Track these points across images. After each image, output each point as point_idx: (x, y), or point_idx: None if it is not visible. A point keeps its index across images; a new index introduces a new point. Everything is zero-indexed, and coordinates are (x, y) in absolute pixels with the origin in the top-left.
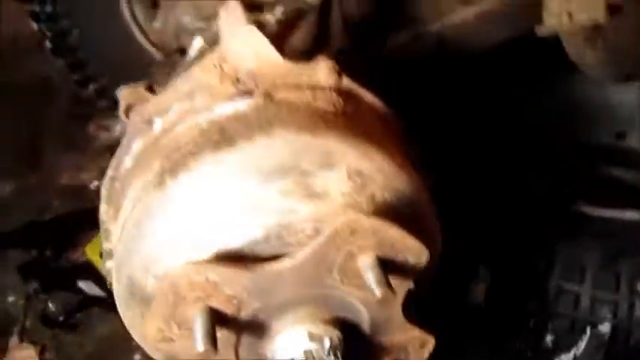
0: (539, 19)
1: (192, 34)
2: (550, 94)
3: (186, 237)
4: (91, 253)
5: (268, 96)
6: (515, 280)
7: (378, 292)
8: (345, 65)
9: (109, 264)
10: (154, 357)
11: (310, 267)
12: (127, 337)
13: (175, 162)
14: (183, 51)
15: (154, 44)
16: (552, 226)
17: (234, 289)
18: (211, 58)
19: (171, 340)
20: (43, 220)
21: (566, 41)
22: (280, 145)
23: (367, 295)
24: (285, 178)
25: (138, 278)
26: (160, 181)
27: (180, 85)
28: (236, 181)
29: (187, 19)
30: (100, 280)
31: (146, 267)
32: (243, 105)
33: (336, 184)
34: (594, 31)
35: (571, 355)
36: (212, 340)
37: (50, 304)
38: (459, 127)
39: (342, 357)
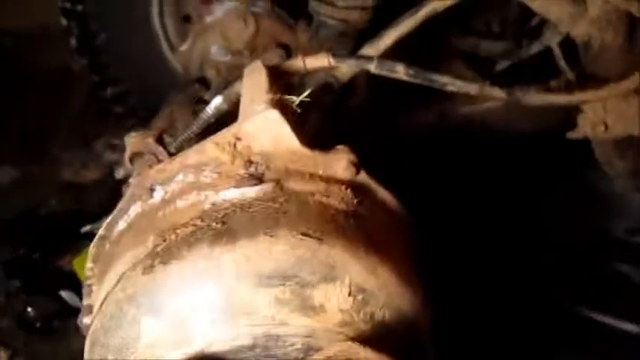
0: (570, 119)
1: (215, 66)
2: (565, 186)
3: (169, 332)
4: (78, 266)
5: (279, 184)
6: None
7: None
8: (363, 156)
9: (87, 320)
10: None
11: None
12: None
13: (169, 247)
14: (203, 80)
15: (178, 61)
16: (554, 331)
17: None
18: (227, 135)
19: None
20: (37, 214)
21: (597, 147)
22: (283, 249)
23: None
24: (282, 286)
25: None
26: (150, 265)
27: (190, 155)
28: (230, 281)
29: (214, 50)
30: (80, 292)
31: (121, 351)
32: (251, 193)
33: (335, 299)
34: (626, 141)
35: None
36: None
37: (29, 308)
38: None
39: None
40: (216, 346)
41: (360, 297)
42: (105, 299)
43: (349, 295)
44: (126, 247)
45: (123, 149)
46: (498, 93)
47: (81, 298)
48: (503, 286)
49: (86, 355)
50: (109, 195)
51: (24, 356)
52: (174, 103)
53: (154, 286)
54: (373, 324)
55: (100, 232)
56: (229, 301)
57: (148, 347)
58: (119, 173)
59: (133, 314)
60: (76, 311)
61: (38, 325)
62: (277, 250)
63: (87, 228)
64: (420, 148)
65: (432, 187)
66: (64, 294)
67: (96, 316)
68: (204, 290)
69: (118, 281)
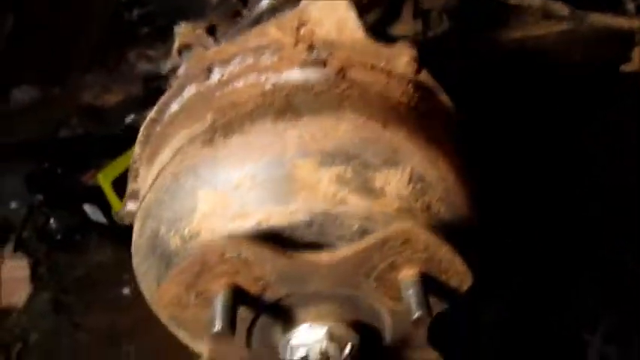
0: (622, 55)
1: None
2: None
3: (226, 204)
4: (103, 179)
5: (342, 71)
6: None
7: (416, 312)
8: (425, 57)
9: (131, 206)
10: (157, 314)
11: (349, 266)
12: (119, 269)
13: (230, 121)
14: None
15: None
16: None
17: (265, 271)
18: (291, 18)
19: (185, 307)
20: (57, 135)
21: None
22: (348, 128)
23: (399, 309)
24: (344, 165)
25: (163, 234)
26: (210, 139)
27: (250, 38)
28: (292, 157)
29: None
30: (105, 207)
31: (175, 224)
32: (314, 75)
33: (395, 184)
34: None
35: None
36: (230, 322)
37: (51, 220)
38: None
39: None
40: (273, 221)
41: (419, 186)
42: (159, 174)
43: (409, 182)
44: (180, 126)
45: (157, 59)
46: (561, 9)
47: (103, 213)
48: (548, 231)
49: (135, 235)
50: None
51: (45, 266)
52: (210, 7)
53: (213, 158)
54: (429, 215)
55: (151, 115)
56: (290, 177)
57: (203, 220)
58: (165, 67)
59: (191, 185)
60: (97, 226)
61: (59, 237)
62: (342, 129)
63: (130, 118)
64: (471, 73)
65: (478, 112)
66: (87, 208)
67: (148, 191)
68: (266, 164)
69: (174, 155)
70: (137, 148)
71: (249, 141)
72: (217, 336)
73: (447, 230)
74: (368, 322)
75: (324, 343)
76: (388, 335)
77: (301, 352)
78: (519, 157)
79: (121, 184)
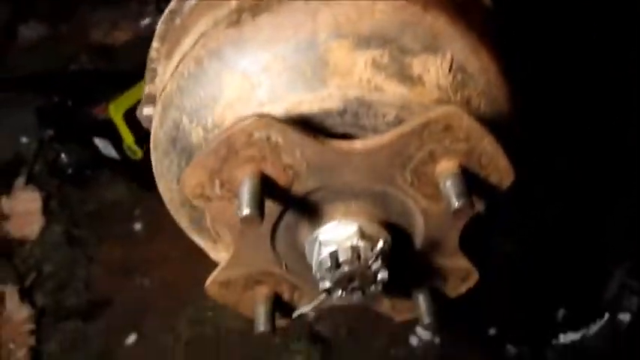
0: None
1: None
2: None
3: (253, 89)
4: (114, 111)
5: None
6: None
7: (456, 203)
8: None
9: (147, 110)
10: (176, 217)
11: (384, 156)
12: (131, 204)
13: (257, 0)
14: None
15: None
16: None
17: (295, 158)
18: None
19: (208, 199)
20: (67, 70)
21: None
22: (386, 10)
23: (434, 210)
24: (381, 49)
25: (185, 124)
26: (237, 19)
27: None
28: (326, 38)
29: None
30: (117, 142)
31: (198, 114)
32: None
33: (434, 72)
34: None
35: (579, 335)
36: (258, 207)
37: (62, 155)
38: None
39: (386, 265)
40: (304, 107)
41: (459, 76)
42: (180, 62)
43: (449, 71)
44: (202, 14)
45: None
46: None
47: (114, 147)
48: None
49: (154, 129)
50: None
51: (57, 200)
52: None
53: (241, 40)
54: (469, 110)
55: (170, 6)
56: (323, 60)
57: (228, 108)
58: None
59: (215, 70)
60: (109, 160)
61: (70, 171)
62: (379, 11)
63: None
64: None
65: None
66: (98, 141)
67: (169, 81)
68: (296, 45)
69: (197, 41)
70: (155, 43)
71: (278, 21)
72: (243, 226)
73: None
74: (399, 223)
75: (355, 240)
76: (419, 239)
77: (330, 248)
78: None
79: (132, 117)
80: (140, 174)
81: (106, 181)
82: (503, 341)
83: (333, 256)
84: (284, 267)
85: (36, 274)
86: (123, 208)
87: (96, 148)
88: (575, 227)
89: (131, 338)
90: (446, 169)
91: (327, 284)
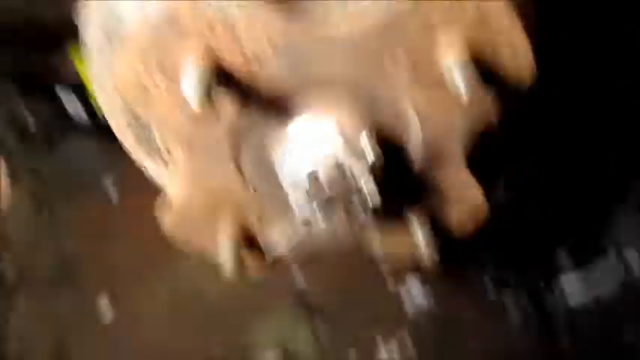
0: None
1: None
2: None
3: None
4: (75, 54)
5: None
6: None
7: (465, 90)
8: None
9: None
10: (123, 141)
11: (372, 40)
12: (102, 166)
13: None
14: None
15: None
16: None
17: (258, 41)
18: None
19: (147, 92)
20: (26, 16)
21: None
22: None
23: (432, 106)
24: None
25: (119, 13)
26: None
27: None
28: None
29: None
30: (84, 97)
31: None
32: None
33: None
34: None
35: (580, 275)
36: (207, 95)
37: (24, 110)
38: None
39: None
40: None
41: None
42: None
43: None
44: None
45: None
46: None
47: (81, 102)
48: None
49: (87, 24)
50: None
51: (19, 160)
52: None
53: None
54: None
55: None
56: None
57: None
58: None
59: None
60: (75, 118)
61: (34, 130)
62: None
63: None
64: None
65: None
66: (63, 95)
67: None
68: None
69: None
70: None
71: None
72: (192, 127)
73: None
74: (392, 131)
75: (334, 150)
76: (415, 153)
77: (306, 164)
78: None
79: None
80: (111, 131)
81: (75, 140)
82: (501, 287)
83: (312, 175)
84: (251, 189)
85: (2, 238)
86: (94, 170)
87: (61, 104)
88: (579, 162)
89: (104, 302)
90: (452, 54)
91: (305, 211)
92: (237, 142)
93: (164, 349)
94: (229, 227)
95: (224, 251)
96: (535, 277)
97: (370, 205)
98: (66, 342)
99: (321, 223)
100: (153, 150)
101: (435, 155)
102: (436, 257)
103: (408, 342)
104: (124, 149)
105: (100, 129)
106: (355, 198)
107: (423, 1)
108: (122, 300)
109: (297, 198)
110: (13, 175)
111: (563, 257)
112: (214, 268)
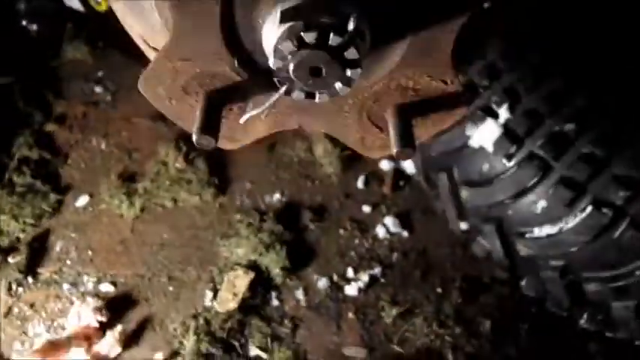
0: None
1: None
2: None
3: None
4: None
5: None
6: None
7: None
8: None
9: None
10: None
11: None
12: (94, 64)
13: None
14: None
15: None
16: None
17: None
18: None
19: None
20: None
21: None
22: None
23: None
24: None
25: None
26: None
27: None
28: None
29: None
30: None
31: None
32: None
33: None
34: None
35: (556, 228)
36: None
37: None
38: None
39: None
40: None
41: None
42: None
43: None
44: None
45: None
46: None
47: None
48: None
49: None
50: None
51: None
52: None
53: None
54: None
55: None
56: None
57: None
58: None
59: None
60: (71, 12)
61: (27, 23)
62: None
63: None
64: None
65: None
66: None
67: None
68: None
69: None
70: None
71: None
72: None
73: None
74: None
75: (320, 15)
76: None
77: (291, 24)
78: None
79: None
80: (105, 29)
81: (68, 36)
82: (473, 236)
83: (294, 31)
84: (235, 63)
85: None
86: (85, 68)
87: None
88: None
89: (82, 200)
90: None
91: (285, 73)
92: (228, 12)
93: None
94: (207, 98)
95: (198, 117)
96: (507, 226)
97: (350, 74)
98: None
99: (299, 90)
100: (143, 13)
101: (423, 44)
102: (407, 144)
103: (378, 271)
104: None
105: (95, 27)
106: (335, 65)
107: None
108: (98, 199)
109: (278, 60)
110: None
111: (539, 208)
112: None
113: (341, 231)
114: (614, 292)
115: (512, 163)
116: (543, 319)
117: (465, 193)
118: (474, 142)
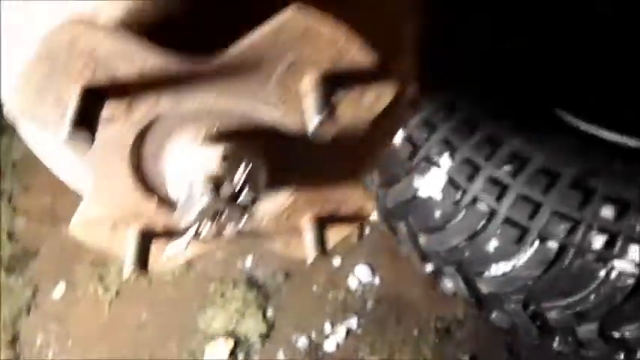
0: None
1: None
2: None
3: None
4: None
5: None
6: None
7: (314, 119)
8: None
9: None
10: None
11: (239, 70)
12: None
13: None
14: None
15: None
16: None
17: (130, 72)
18: None
19: (43, 121)
20: None
21: None
22: None
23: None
24: None
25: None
26: None
27: None
28: None
29: None
30: None
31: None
32: None
33: None
34: None
35: (510, 265)
36: (79, 126)
37: None
38: None
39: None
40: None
41: None
42: None
43: None
44: None
45: None
46: None
47: None
48: None
49: None
50: None
51: None
52: None
53: None
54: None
55: None
56: None
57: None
58: None
59: None
60: None
61: None
62: None
63: None
64: None
65: None
66: None
67: None
68: None
69: None
70: None
71: None
72: (72, 149)
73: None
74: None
75: (212, 166)
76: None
77: (187, 179)
78: None
79: None
80: None
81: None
82: (439, 277)
83: (189, 188)
84: (155, 202)
85: None
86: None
87: None
88: None
89: (59, 290)
90: (307, 82)
91: (190, 218)
92: (140, 163)
93: None
94: (136, 233)
95: (130, 252)
96: (468, 266)
97: (248, 209)
98: None
99: (209, 227)
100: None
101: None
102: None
103: (354, 322)
104: None
105: None
106: (235, 205)
107: (280, 41)
108: (75, 286)
109: (181, 207)
110: None
111: (492, 247)
112: None
113: (314, 287)
114: (575, 318)
115: (459, 209)
116: (519, 346)
117: (422, 239)
118: (423, 193)
